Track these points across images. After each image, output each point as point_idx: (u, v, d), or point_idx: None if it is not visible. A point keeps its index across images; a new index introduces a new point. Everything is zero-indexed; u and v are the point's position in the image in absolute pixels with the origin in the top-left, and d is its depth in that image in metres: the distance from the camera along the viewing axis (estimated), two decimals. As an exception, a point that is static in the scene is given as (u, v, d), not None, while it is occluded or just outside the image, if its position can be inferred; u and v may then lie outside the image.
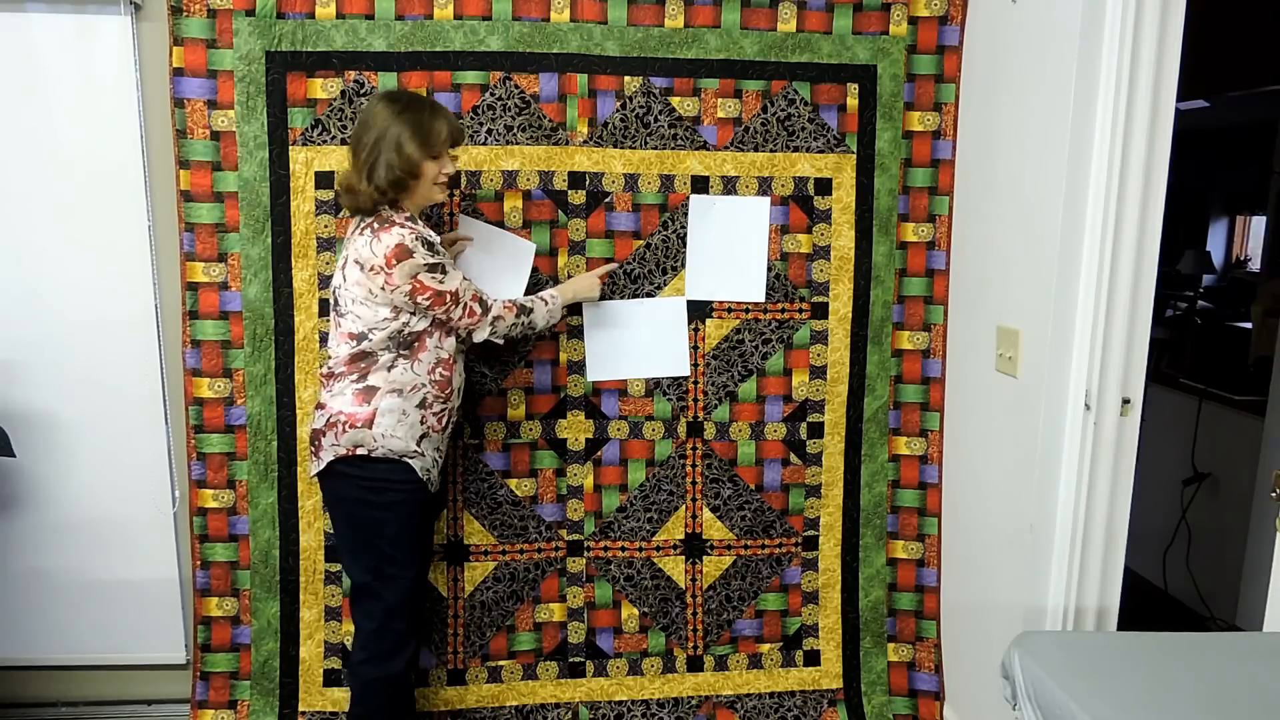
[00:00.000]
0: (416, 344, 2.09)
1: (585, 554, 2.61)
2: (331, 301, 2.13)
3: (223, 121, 2.37)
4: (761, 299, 2.54)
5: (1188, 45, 1.93)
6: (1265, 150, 4.76)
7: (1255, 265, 6.62)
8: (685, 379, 2.57)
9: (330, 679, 2.55)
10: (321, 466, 2.10)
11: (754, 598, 2.67)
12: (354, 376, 2.07)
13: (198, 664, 2.55)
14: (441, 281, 2.04)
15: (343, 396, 2.07)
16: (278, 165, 2.39)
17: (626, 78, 2.43)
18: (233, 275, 2.43)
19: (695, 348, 2.56)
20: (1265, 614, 1.78)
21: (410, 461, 2.10)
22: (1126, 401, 2.04)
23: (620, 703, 2.64)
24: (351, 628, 2.53)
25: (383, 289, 2.01)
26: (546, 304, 2.28)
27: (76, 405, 2.53)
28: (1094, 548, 2.08)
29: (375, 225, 2.03)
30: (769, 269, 2.55)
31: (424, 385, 2.10)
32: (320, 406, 2.12)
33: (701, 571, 2.65)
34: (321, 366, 2.19)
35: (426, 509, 2.22)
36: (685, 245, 2.52)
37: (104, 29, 2.37)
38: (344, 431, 2.05)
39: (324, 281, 2.45)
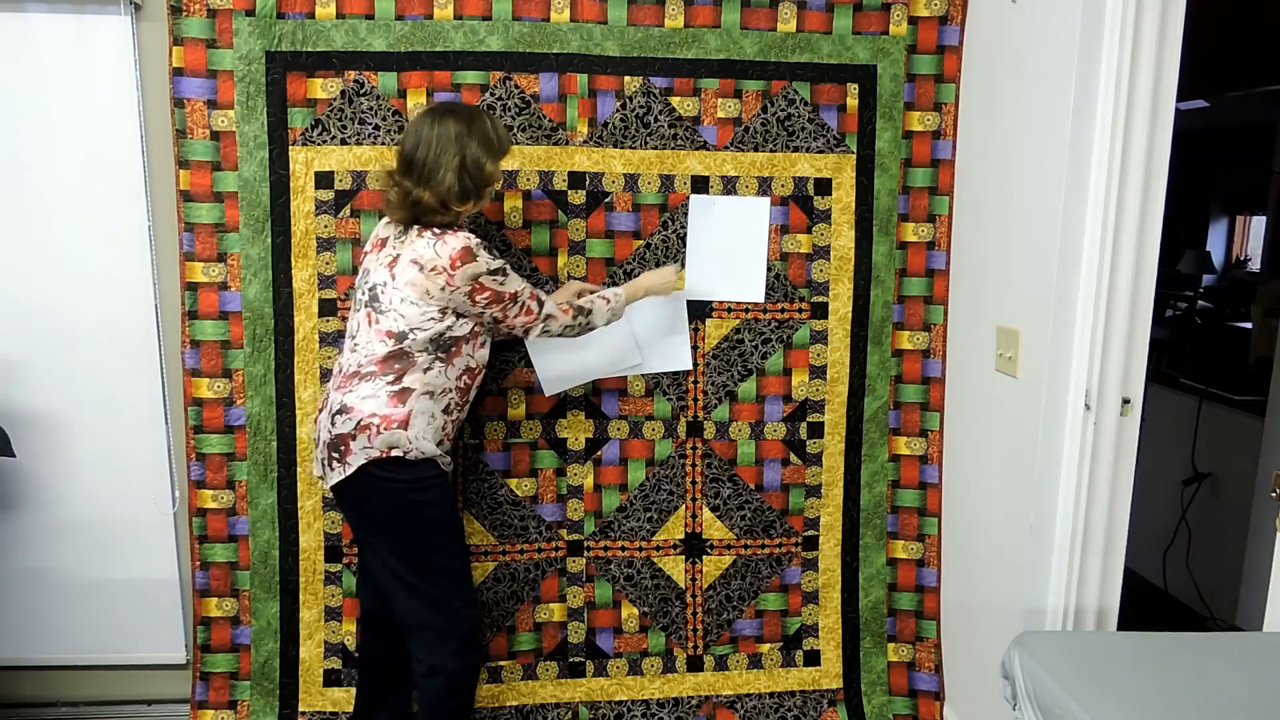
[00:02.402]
0: (453, 349, 2.08)
1: (585, 554, 2.61)
2: (362, 298, 2.11)
3: (223, 121, 2.37)
4: (761, 299, 2.54)
5: (1188, 45, 1.93)
6: (1265, 150, 4.75)
7: (1255, 265, 6.62)
8: (685, 378, 2.57)
9: (330, 679, 2.55)
10: (350, 471, 2.03)
11: (754, 598, 2.67)
12: (389, 378, 2.04)
13: (198, 664, 2.55)
14: (502, 284, 2.06)
15: (375, 399, 2.03)
16: (278, 165, 2.39)
17: (626, 78, 2.43)
18: (232, 275, 2.43)
19: (695, 348, 2.56)
20: (1265, 614, 1.78)
21: (438, 460, 2.10)
22: (1126, 401, 2.04)
23: (620, 703, 2.64)
24: (352, 627, 2.53)
25: (442, 289, 2.01)
26: (609, 302, 2.26)
27: (76, 405, 2.53)
28: (1094, 548, 2.08)
29: (437, 230, 2.04)
30: (769, 269, 2.55)
31: (451, 390, 2.10)
32: (345, 410, 2.04)
33: (701, 571, 2.65)
34: (343, 366, 2.10)
35: (458, 505, 2.25)
36: (685, 245, 2.52)
37: (104, 29, 2.37)
38: (378, 433, 2.02)
39: (324, 282, 2.45)
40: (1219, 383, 3.48)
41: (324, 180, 2.41)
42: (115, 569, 2.60)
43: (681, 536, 2.63)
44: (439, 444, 2.11)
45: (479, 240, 2.05)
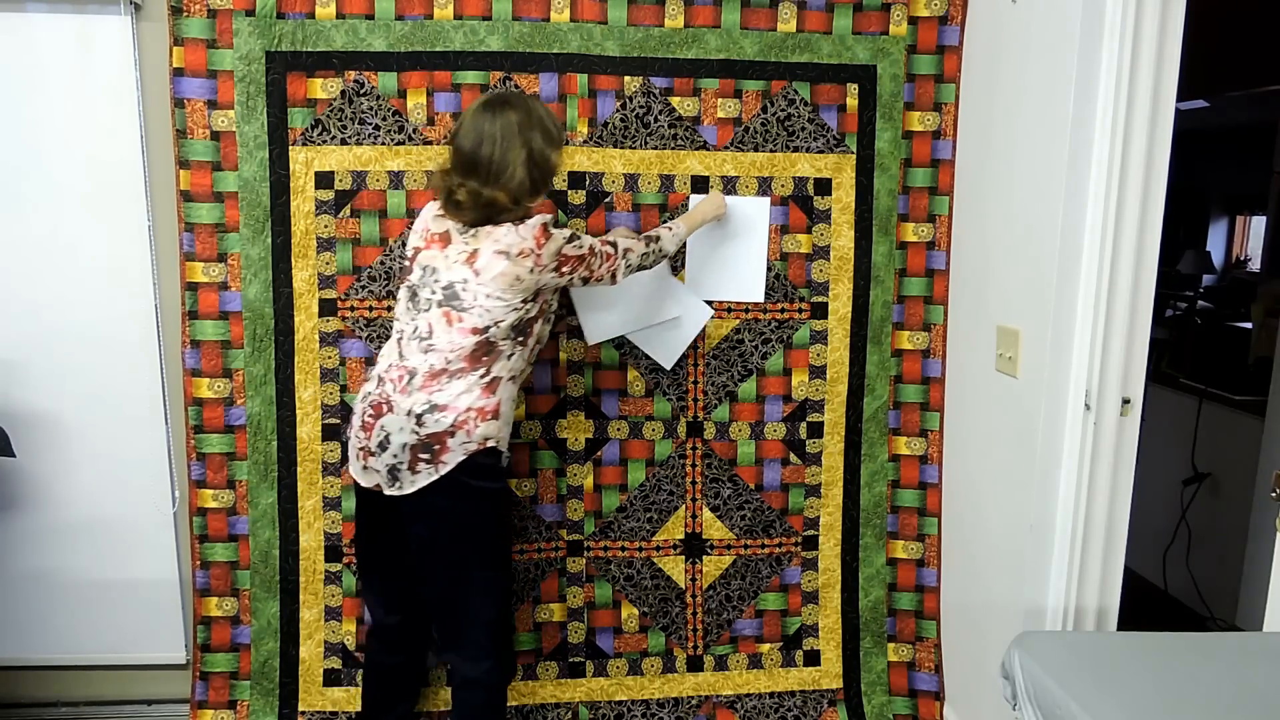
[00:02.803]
0: (528, 330, 2.08)
1: (585, 554, 2.61)
2: (432, 296, 2.02)
3: (223, 121, 2.37)
4: (761, 299, 2.54)
5: (1188, 45, 1.93)
6: (1265, 150, 4.76)
7: (1255, 265, 6.62)
8: (685, 378, 2.57)
9: (330, 679, 2.56)
10: (445, 471, 1.98)
11: (754, 597, 2.67)
12: (480, 371, 2.01)
13: (197, 664, 2.55)
14: (580, 247, 2.06)
15: (469, 394, 2.00)
16: (278, 165, 2.39)
17: (626, 78, 2.43)
18: (233, 275, 2.43)
19: (695, 347, 2.56)
20: (1265, 614, 1.78)
21: (503, 449, 2.10)
22: (1126, 401, 2.04)
23: (620, 703, 2.64)
24: (353, 627, 2.53)
25: (530, 271, 1.98)
26: (672, 230, 2.26)
27: (76, 405, 2.53)
28: (1094, 548, 2.08)
29: (506, 220, 2.01)
30: (769, 269, 2.55)
31: (525, 369, 2.13)
32: (437, 408, 1.97)
33: (701, 571, 2.65)
34: (414, 367, 2.00)
35: None
36: (685, 245, 2.52)
37: (104, 29, 2.37)
38: (475, 426, 1.99)
39: (324, 282, 2.45)
40: (1219, 383, 3.48)
41: (324, 180, 2.41)
42: (115, 569, 2.60)
43: (681, 536, 2.63)
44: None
45: (550, 215, 2.06)
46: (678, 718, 2.63)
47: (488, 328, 2.00)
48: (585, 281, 2.11)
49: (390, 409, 2.00)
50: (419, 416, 1.98)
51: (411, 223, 2.42)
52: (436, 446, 1.98)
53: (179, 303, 2.44)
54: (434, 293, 2.03)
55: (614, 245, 2.13)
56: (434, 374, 2.00)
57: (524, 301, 2.02)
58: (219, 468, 2.49)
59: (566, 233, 2.05)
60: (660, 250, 2.23)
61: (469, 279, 1.99)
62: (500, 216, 2.01)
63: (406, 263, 2.12)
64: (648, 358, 2.55)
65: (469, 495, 2.04)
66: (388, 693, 2.33)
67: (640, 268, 2.21)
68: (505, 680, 2.21)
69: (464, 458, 2.00)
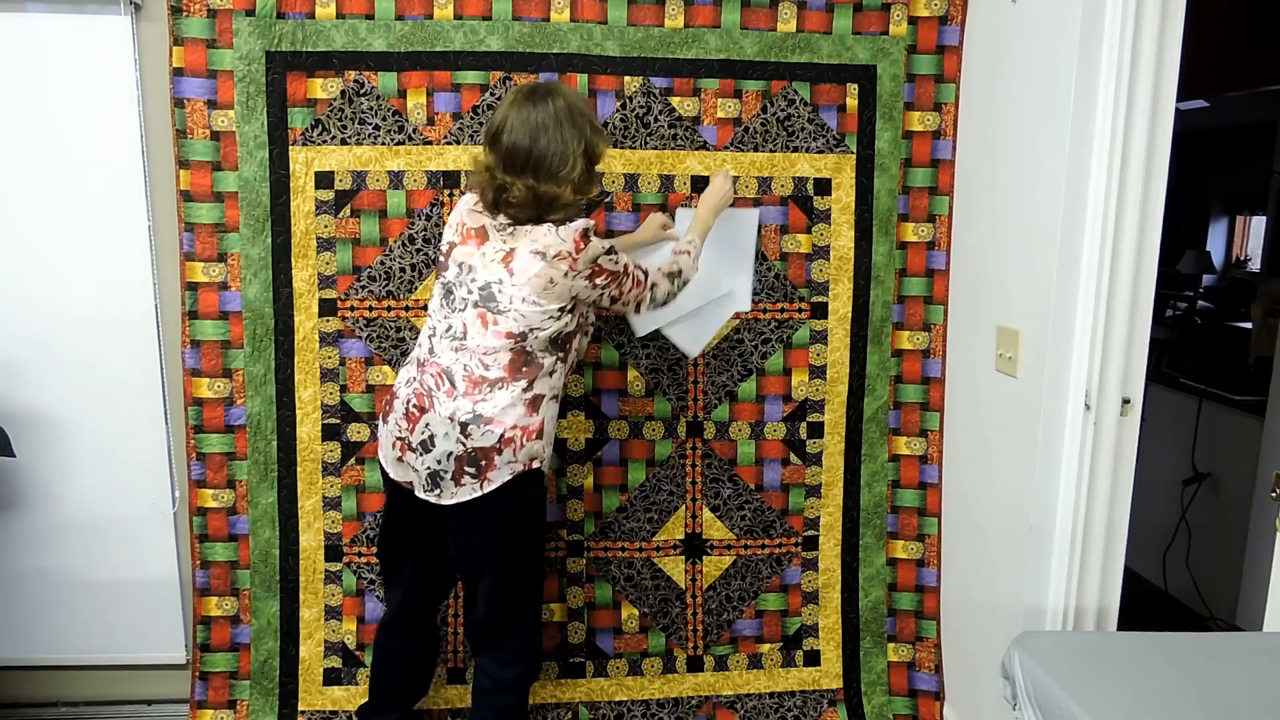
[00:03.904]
0: (567, 346, 2.02)
1: (585, 554, 2.61)
2: (468, 296, 1.96)
3: (223, 121, 2.37)
4: (748, 308, 2.49)
5: (1188, 45, 1.93)
6: (1265, 150, 4.76)
7: (1255, 265, 6.62)
8: (685, 378, 2.57)
9: (330, 678, 2.55)
10: (492, 488, 1.93)
11: (754, 598, 2.67)
12: (522, 384, 1.94)
13: (197, 664, 2.55)
14: (616, 262, 1.99)
15: (513, 409, 1.93)
16: (278, 165, 2.39)
17: (626, 78, 2.43)
18: (232, 275, 2.43)
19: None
20: (1265, 614, 1.79)
21: (546, 469, 2.06)
22: (1126, 401, 2.04)
23: (620, 703, 2.64)
24: (353, 626, 2.53)
25: (565, 275, 1.90)
26: (690, 254, 2.19)
27: (76, 405, 2.53)
28: (1094, 548, 2.08)
29: (548, 224, 1.94)
30: (770, 269, 2.55)
31: (563, 387, 2.08)
32: (483, 419, 1.91)
33: (701, 571, 2.65)
34: (449, 370, 1.96)
35: None
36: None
37: (104, 29, 2.37)
38: (521, 446, 1.94)
39: (324, 281, 2.45)
40: (1219, 383, 3.48)
41: (324, 180, 2.41)
42: (115, 569, 2.60)
43: (681, 537, 2.63)
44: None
45: (591, 220, 1.99)
46: (678, 718, 2.63)
47: (524, 334, 1.93)
48: (613, 302, 2.04)
49: (432, 405, 1.95)
50: (464, 426, 1.92)
51: (412, 223, 2.43)
52: (483, 462, 1.93)
53: (179, 303, 2.44)
54: (470, 292, 1.97)
55: (645, 273, 2.08)
56: (474, 380, 1.94)
57: (561, 310, 1.95)
58: (219, 467, 2.49)
59: (607, 244, 1.97)
60: (685, 280, 2.17)
61: (504, 279, 1.92)
62: (553, 214, 1.93)
63: (441, 258, 2.07)
64: (648, 358, 2.55)
65: (512, 512, 2.01)
66: (399, 687, 2.32)
67: (664, 304, 2.15)
68: (532, 683, 2.21)
69: (510, 477, 1.95)
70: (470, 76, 2.40)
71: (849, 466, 2.64)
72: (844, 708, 2.67)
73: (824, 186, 2.53)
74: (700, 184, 2.50)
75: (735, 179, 2.43)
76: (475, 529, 2.01)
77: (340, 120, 2.39)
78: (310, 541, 2.52)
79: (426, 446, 1.95)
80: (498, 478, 1.94)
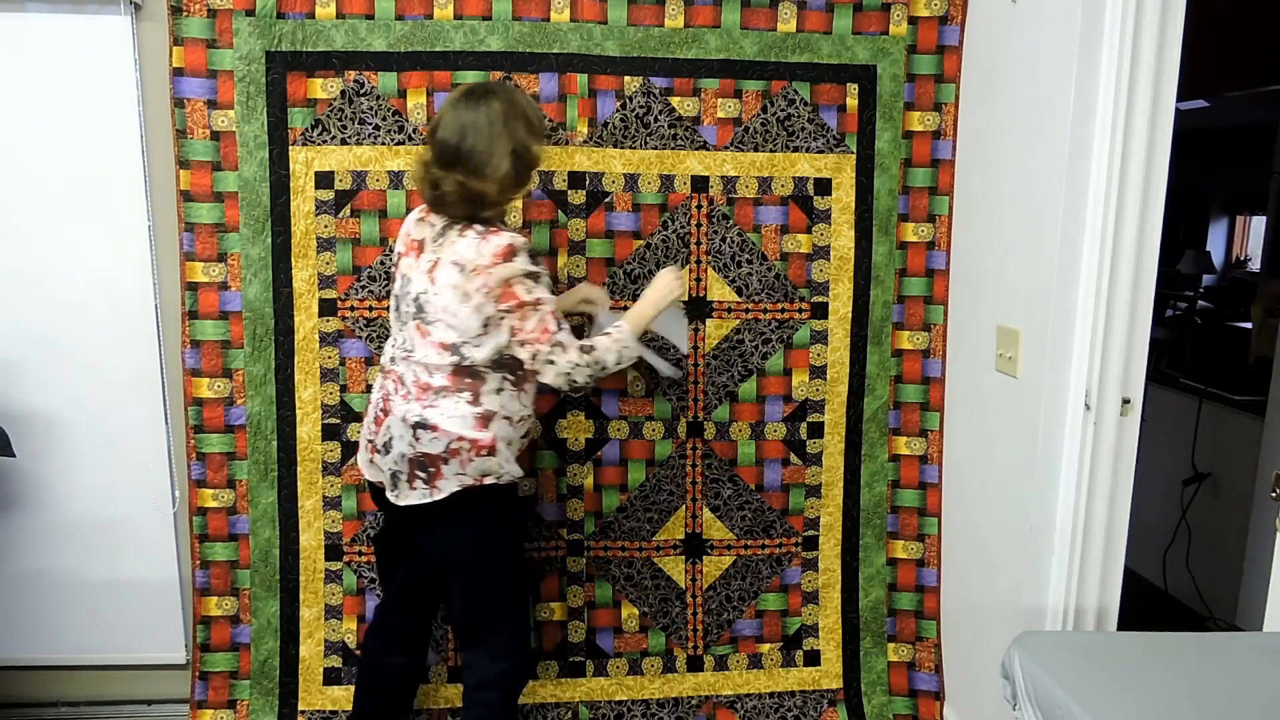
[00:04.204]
0: (522, 371, 2.01)
1: (585, 553, 2.61)
2: (409, 309, 2.00)
3: (223, 121, 2.37)
4: (676, 376, 2.44)
5: (1188, 45, 1.93)
6: (1265, 150, 4.76)
7: (1255, 265, 6.62)
8: (686, 378, 2.57)
9: (330, 678, 2.55)
10: (441, 496, 1.96)
11: (754, 598, 2.67)
12: (467, 396, 1.95)
13: (197, 663, 2.55)
14: (530, 290, 1.92)
15: (461, 419, 1.94)
16: (278, 165, 2.39)
17: (626, 78, 2.43)
18: (233, 275, 2.43)
19: (695, 348, 2.56)
20: (1265, 614, 1.78)
21: (518, 481, 2.07)
22: (1126, 401, 2.04)
23: (620, 702, 2.64)
24: (353, 625, 2.53)
25: (478, 290, 1.90)
26: (614, 339, 2.06)
27: (76, 405, 2.53)
28: (1094, 548, 2.08)
29: (480, 228, 1.94)
30: (770, 269, 2.55)
31: (528, 416, 2.07)
32: (428, 426, 1.93)
33: (701, 571, 2.65)
34: (403, 375, 1.99)
35: None
36: (685, 245, 2.52)
37: (104, 29, 2.37)
38: (470, 460, 1.94)
39: (324, 282, 2.45)
40: (1219, 383, 3.48)
41: (324, 180, 2.41)
42: (115, 569, 2.60)
43: (681, 537, 2.63)
44: (516, 461, 2.07)
45: (525, 241, 1.95)
46: (678, 718, 2.63)
47: (456, 346, 1.94)
48: (513, 337, 1.95)
49: (391, 409, 2.00)
50: (414, 429, 1.94)
51: (411, 223, 2.43)
52: (432, 469, 1.95)
53: (179, 303, 2.44)
54: (409, 304, 2.01)
55: (559, 325, 1.96)
56: (422, 386, 1.97)
57: (486, 327, 1.93)
58: (219, 467, 2.49)
59: (531, 267, 1.93)
60: (597, 362, 2.01)
61: (429, 290, 1.95)
62: (484, 211, 1.96)
63: (393, 269, 2.13)
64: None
65: (469, 525, 2.03)
66: (385, 694, 2.32)
67: (569, 382, 2.00)
68: (522, 682, 2.20)
69: (459, 489, 1.97)
70: (470, 76, 2.40)
71: (849, 466, 2.64)
72: (844, 708, 2.67)
73: (824, 186, 2.53)
74: (700, 184, 2.50)
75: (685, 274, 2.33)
76: (433, 533, 2.05)
77: (340, 120, 2.39)
78: (310, 541, 2.52)
79: (387, 448, 1.99)
80: (446, 487, 1.96)
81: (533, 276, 1.93)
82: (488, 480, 1.98)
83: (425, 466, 1.95)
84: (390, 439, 1.98)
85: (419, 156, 2.02)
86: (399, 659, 2.29)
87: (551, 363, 1.96)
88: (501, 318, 1.93)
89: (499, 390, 1.98)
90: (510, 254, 1.90)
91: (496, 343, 1.95)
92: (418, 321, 1.98)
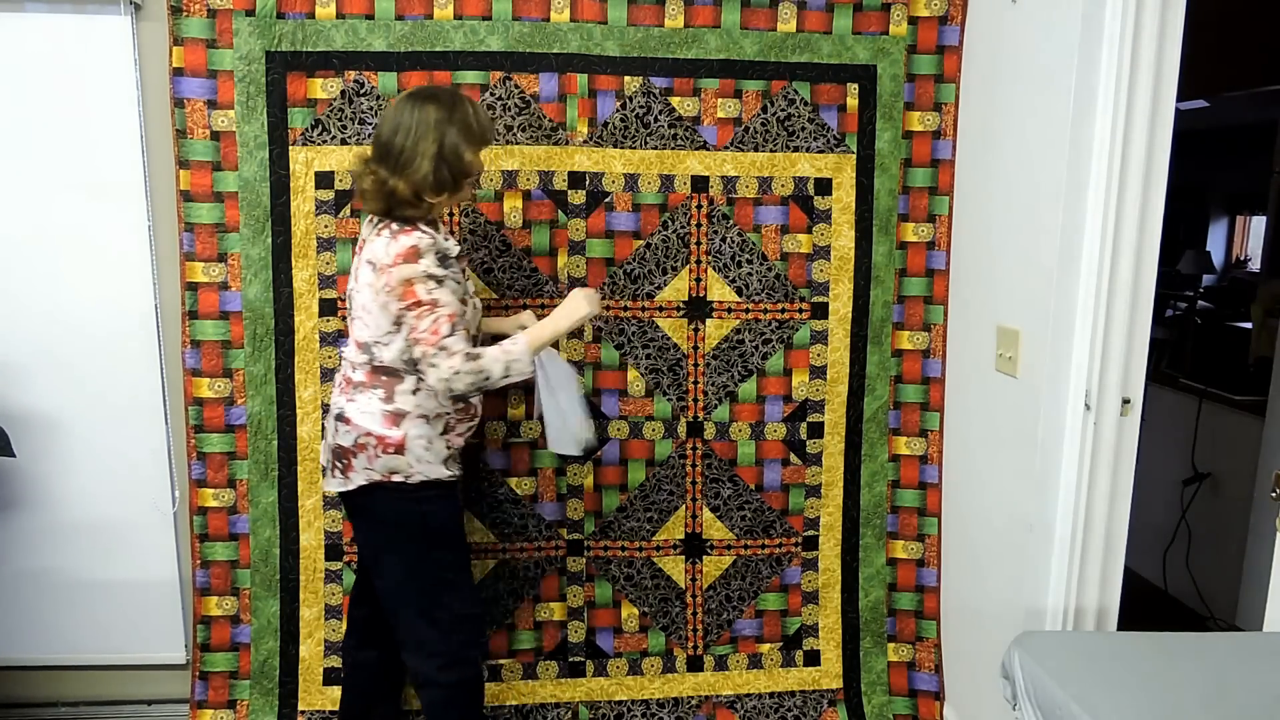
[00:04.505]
0: None
1: (585, 553, 2.61)
2: (348, 305, 2.08)
3: (223, 121, 2.37)
4: (576, 452, 2.26)
5: (1188, 45, 1.93)
6: (1265, 150, 4.76)
7: (1255, 265, 6.62)
8: (685, 378, 2.57)
9: (330, 678, 2.55)
10: (351, 487, 2.02)
11: (754, 598, 2.67)
12: (381, 394, 1.99)
13: (197, 663, 2.55)
14: (430, 291, 1.90)
15: (372, 415, 1.98)
16: (278, 165, 2.39)
17: (626, 78, 2.43)
18: (233, 275, 2.43)
19: (696, 348, 2.56)
20: (1265, 614, 1.79)
21: (444, 479, 2.07)
22: (1126, 401, 2.04)
23: (620, 702, 2.64)
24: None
25: (383, 288, 1.92)
26: (506, 351, 1.98)
27: (76, 405, 2.53)
28: (1094, 548, 2.08)
29: (395, 227, 1.95)
30: (770, 269, 2.55)
31: (448, 413, 2.05)
32: (343, 419, 2.00)
33: (701, 571, 2.65)
34: (340, 367, 2.09)
35: (462, 508, 2.26)
36: (685, 245, 2.52)
37: (104, 29, 2.37)
38: (377, 456, 1.98)
39: (324, 281, 2.45)
40: (1219, 383, 3.48)
41: (324, 180, 2.41)
42: (115, 569, 2.60)
43: (681, 536, 2.63)
44: (446, 460, 2.07)
45: (435, 244, 1.93)
46: (678, 718, 2.63)
47: (368, 344, 1.98)
48: (409, 341, 1.92)
49: (330, 403, 2.09)
50: (335, 420, 2.03)
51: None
52: (345, 460, 2.01)
53: (179, 303, 2.44)
54: (348, 302, 2.08)
55: (451, 331, 1.90)
56: (347, 380, 2.04)
57: (396, 325, 1.94)
58: (219, 467, 2.49)
59: (436, 271, 1.89)
60: (481, 372, 1.93)
61: (353, 286, 2.02)
62: (400, 210, 1.95)
63: None
64: (648, 358, 2.55)
65: (382, 520, 2.07)
66: (362, 691, 2.32)
67: (451, 387, 1.92)
68: (466, 680, 2.14)
69: (366, 483, 2.00)
70: (470, 76, 2.40)
71: (849, 466, 2.64)
72: (844, 708, 2.67)
73: (824, 186, 2.53)
74: (701, 184, 2.50)
75: (600, 304, 2.20)
76: (351, 517, 2.13)
77: (340, 120, 2.39)
78: (310, 540, 2.52)
79: (324, 441, 2.11)
80: (355, 479, 2.01)
81: (436, 279, 1.91)
82: (395, 478, 2.00)
83: (341, 457, 2.02)
84: (324, 428, 2.11)
85: (362, 153, 2.04)
86: (370, 654, 2.29)
87: (434, 365, 1.91)
88: (402, 317, 1.93)
89: (415, 390, 2.00)
90: (414, 255, 1.90)
91: (403, 342, 1.96)
92: (351, 317, 2.06)
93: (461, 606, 2.12)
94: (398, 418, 1.99)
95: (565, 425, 2.19)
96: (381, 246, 1.94)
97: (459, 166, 1.97)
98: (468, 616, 2.14)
